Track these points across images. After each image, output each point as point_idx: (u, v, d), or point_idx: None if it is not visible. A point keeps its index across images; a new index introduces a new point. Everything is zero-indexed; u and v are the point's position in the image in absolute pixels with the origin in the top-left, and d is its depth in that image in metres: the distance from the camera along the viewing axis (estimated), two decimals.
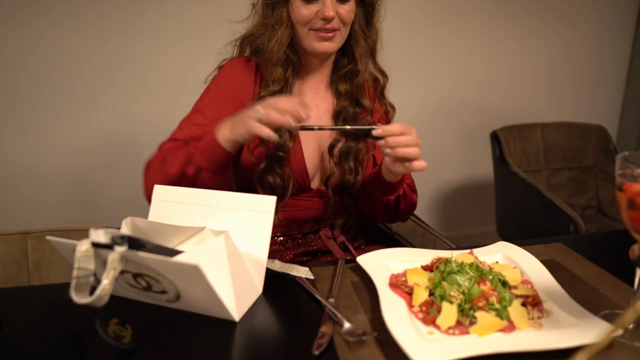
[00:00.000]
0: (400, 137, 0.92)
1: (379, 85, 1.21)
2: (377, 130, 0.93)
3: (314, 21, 1.05)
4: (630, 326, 0.72)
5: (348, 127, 1.04)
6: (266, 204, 0.86)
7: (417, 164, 0.94)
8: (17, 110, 2.10)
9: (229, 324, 0.75)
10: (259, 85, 1.12)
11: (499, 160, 2.24)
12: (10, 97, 2.08)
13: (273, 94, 1.08)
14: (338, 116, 1.17)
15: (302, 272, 0.89)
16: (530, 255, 0.91)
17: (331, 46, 1.08)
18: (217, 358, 0.68)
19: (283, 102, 0.90)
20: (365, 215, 1.23)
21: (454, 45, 2.58)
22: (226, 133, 0.96)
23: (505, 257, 0.92)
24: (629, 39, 2.84)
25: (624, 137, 2.95)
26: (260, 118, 0.89)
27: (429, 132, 2.65)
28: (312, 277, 0.88)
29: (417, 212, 1.73)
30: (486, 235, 2.47)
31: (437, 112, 2.65)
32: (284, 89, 1.10)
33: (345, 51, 1.15)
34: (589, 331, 0.68)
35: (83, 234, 1.09)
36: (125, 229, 0.84)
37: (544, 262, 0.89)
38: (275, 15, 1.07)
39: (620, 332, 0.67)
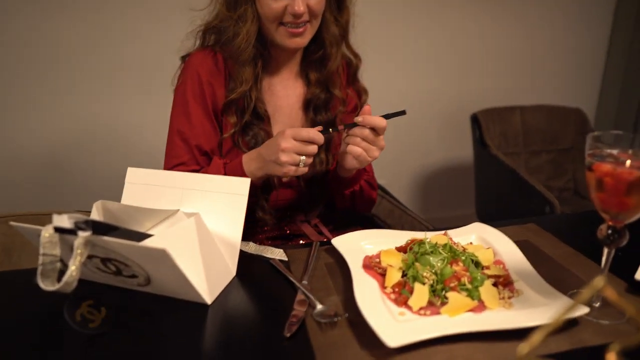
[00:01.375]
0: (366, 132, 0.94)
1: (351, 68, 1.19)
2: (358, 118, 0.94)
3: (284, 16, 1.01)
4: (597, 304, 0.73)
5: (359, 118, 0.95)
6: (240, 186, 0.85)
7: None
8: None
9: (202, 306, 0.75)
10: (227, 80, 1.09)
11: (479, 143, 2.26)
12: None
13: (243, 93, 1.05)
14: (309, 104, 1.15)
15: (276, 254, 0.89)
16: (503, 235, 0.91)
17: (302, 41, 1.05)
18: (189, 341, 0.67)
19: (311, 139, 0.92)
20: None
21: (433, 29, 2.57)
22: (257, 173, 0.98)
23: (479, 238, 0.92)
24: (608, 22, 2.85)
25: (603, 120, 2.99)
26: (305, 164, 0.93)
27: (410, 115, 2.63)
28: (286, 259, 0.88)
29: (397, 194, 1.74)
30: (466, 217, 2.49)
31: (418, 96, 2.65)
32: (254, 86, 1.07)
33: (316, 37, 1.10)
34: (557, 310, 0.69)
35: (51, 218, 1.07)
36: (96, 213, 0.82)
37: (517, 242, 0.90)
38: (240, 10, 1.02)
39: (585, 309, 0.68)
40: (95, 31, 2.08)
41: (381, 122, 0.95)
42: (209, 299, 0.75)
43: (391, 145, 2.61)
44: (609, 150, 0.68)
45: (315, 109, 1.15)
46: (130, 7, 2.09)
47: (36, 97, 2.08)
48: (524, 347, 0.34)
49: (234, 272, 0.84)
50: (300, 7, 0.98)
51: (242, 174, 0.99)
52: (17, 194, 2.01)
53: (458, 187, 2.83)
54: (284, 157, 0.91)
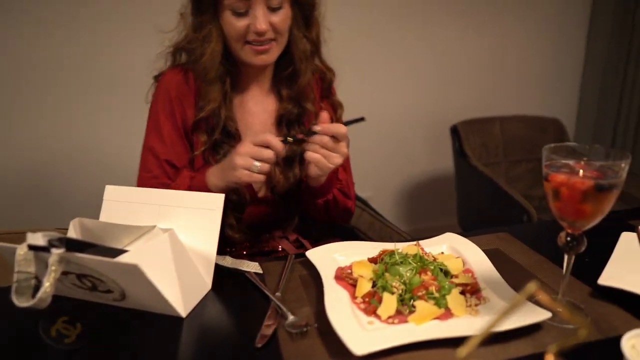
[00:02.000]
0: (325, 139, 0.94)
1: (325, 82, 1.19)
2: (316, 127, 0.94)
3: (247, 35, 1.00)
4: (560, 309, 0.76)
5: (317, 127, 0.94)
6: (214, 201, 0.87)
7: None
8: None
9: (177, 320, 0.76)
10: (197, 98, 1.09)
11: (459, 154, 2.30)
12: None
13: (212, 111, 1.05)
14: (281, 120, 1.14)
15: (251, 267, 0.90)
16: (474, 245, 0.94)
17: (268, 58, 1.04)
18: (163, 354, 0.69)
19: (267, 142, 0.92)
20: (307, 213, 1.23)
21: (413, 42, 2.62)
22: (218, 183, 0.98)
23: (450, 248, 0.95)
24: (584, 33, 2.93)
25: (580, 130, 3.05)
26: (259, 171, 0.92)
27: (392, 128, 2.69)
28: (260, 271, 0.90)
29: (380, 205, 1.76)
30: (448, 227, 2.50)
31: (398, 108, 2.69)
32: (223, 104, 1.07)
33: (285, 53, 1.09)
34: (521, 316, 0.71)
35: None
36: (73, 230, 0.84)
37: (487, 251, 0.92)
38: (204, 31, 1.02)
39: (547, 314, 0.71)
40: (70, 48, 2.10)
41: (340, 128, 0.94)
42: (183, 312, 0.77)
43: (374, 157, 2.68)
44: (564, 161, 0.71)
45: (288, 124, 1.15)
46: (105, 27, 2.12)
47: (13, 115, 2.09)
48: (462, 351, 0.36)
49: (209, 286, 0.85)
50: (262, 25, 0.98)
51: (205, 186, 1.00)
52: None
53: (441, 198, 2.86)
54: (238, 160, 0.91)
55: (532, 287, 0.36)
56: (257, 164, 0.92)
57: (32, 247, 0.69)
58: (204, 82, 1.05)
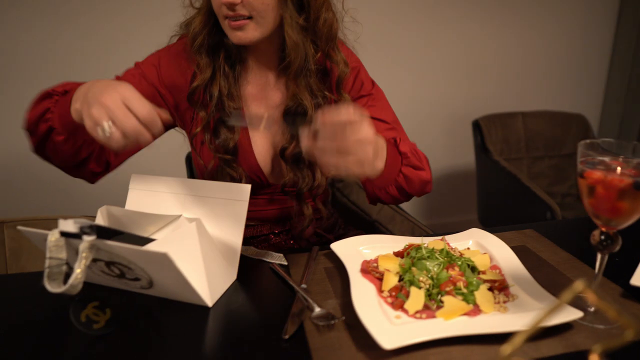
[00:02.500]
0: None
1: (331, 78, 1.07)
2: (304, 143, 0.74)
3: (221, 7, 0.92)
4: (592, 309, 0.74)
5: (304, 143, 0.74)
6: (241, 192, 0.87)
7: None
8: None
9: (203, 309, 0.76)
10: (193, 70, 1.02)
11: (481, 148, 2.27)
12: None
13: (203, 84, 1.00)
14: (287, 114, 1.04)
15: (275, 258, 0.90)
16: (500, 241, 0.93)
17: (244, 36, 0.94)
18: (190, 343, 0.69)
19: (133, 108, 0.72)
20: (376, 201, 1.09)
21: (436, 35, 2.59)
22: (73, 113, 0.79)
23: (477, 243, 0.94)
24: (612, 29, 2.86)
25: (606, 126, 2.99)
26: (107, 136, 0.72)
27: (412, 121, 2.66)
28: (285, 263, 0.90)
29: None
30: (468, 223, 2.49)
31: (420, 102, 2.67)
32: (218, 77, 1.00)
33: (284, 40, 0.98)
34: (553, 315, 0.70)
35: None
36: (100, 218, 0.85)
37: (514, 248, 0.91)
38: (200, 2, 0.99)
39: (579, 314, 0.69)
40: (85, 34, 2.11)
41: (327, 119, 0.70)
42: (209, 302, 0.77)
43: None
44: (600, 158, 0.70)
45: (293, 120, 1.03)
46: (120, 10, 2.12)
47: (23, 96, 2.11)
48: (506, 349, 0.35)
49: (234, 276, 0.85)
50: None
51: (68, 105, 0.82)
52: (25, 199, 2.04)
53: (460, 193, 2.84)
54: (93, 110, 0.72)
55: (579, 285, 0.35)
56: (107, 126, 0.71)
57: (64, 234, 0.69)
58: (192, 52, 1.00)
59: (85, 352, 0.67)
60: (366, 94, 1.12)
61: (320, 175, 1.08)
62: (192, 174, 1.57)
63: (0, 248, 1.06)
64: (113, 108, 0.71)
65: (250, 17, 0.92)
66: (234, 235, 0.86)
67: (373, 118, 1.08)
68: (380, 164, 0.84)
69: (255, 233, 1.14)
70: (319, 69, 1.04)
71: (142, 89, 0.96)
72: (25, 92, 2.09)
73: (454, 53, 2.65)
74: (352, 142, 0.70)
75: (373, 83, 1.15)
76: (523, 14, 2.68)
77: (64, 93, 0.88)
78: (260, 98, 1.08)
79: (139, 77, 1.01)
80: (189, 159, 1.57)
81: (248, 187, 0.86)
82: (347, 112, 0.69)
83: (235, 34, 0.94)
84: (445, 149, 2.79)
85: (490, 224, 2.30)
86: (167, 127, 1.06)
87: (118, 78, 1.02)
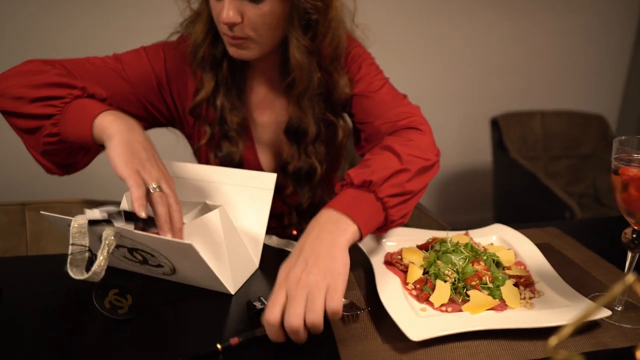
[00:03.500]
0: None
1: (337, 96, 1.00)
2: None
3: (222, 25, 0.87)
4: (619, 308, 0.73)
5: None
6: (266, 180, 0.86)
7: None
8: None
9: (226, 296, 0.76)
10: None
11: (499, 146, 2.25)
12: None
13: (206, 98, 0.97)
14: (289, 130, 1.01)
15: None
16: (524, 237, 0.92)
17: (243, 54, 0.90)
18: (213, 329, 0.69)
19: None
20: None
21: (454, 31, 2.56)
22: (109, 126, 0.74)
23: (500, 239, 0.93)
24: (633, 29, 2.82)
25: (624, 127, 2.95)
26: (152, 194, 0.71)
27: (430, 118, 2.64)
28: None
29: None
30: (484, 221, 2.48)
31: (438, 98, 2.65)
32: (220, 91, 0.98)
33: (286, 54, 0.94)
34: (579, 311, 0.69)
35: (81, 206, 1.10)
36: (126, 203, 0.85)
37: (538, 245, 0.90)
38: (199, 7, 0.93)
39: (607, 312, 0.68)
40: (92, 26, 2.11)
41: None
42: (232, 290, 0.77)
43: None
44: (636, 155, 0.68)
45: (296, 137, 1.01)
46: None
47: None
48: (553, 340, 0.35)
49: (257, 265, 0.85)
50: (224, 15, 0.83)
51: (89, 124, 0.76)
52: (46, 182, 2.04)
53: (476, 191, 2.82)
54: (152, 170, 0.73)
55: (630, 278, 0.34)
56: (156, 186, 0.72)
57: (91, 222, 0.69)
58: (194, 64, 0.96)
59: (107, 336, 0.67)
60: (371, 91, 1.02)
61: (321, 192, 1.07)
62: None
63: (22, 230, 1.07)
64: (165, 177, 0.74)
65: (245, 38, 0.87)
66: (257, 224, 0.86)
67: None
68: (346, 241, 0.70)
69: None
70: (321, 88, 0.99)
71: (145, 75, 0.95)
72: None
73: (471, 49, 2.62)
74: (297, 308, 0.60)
75: (377, 73, 1.03)
76: (543, 12, 2.64)
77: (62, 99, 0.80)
78: (265, 107, 1.05)
79: (143, 64, 0.97)
80: None
81: (274, 175, 0.86)
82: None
83: (234, 50, 0.90)
84: (462, 146, 2.77)
85: (506, 223, 2.28)
86: (151, 122, 1.03)
87: (118, 55, 0.97)
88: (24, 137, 0.83)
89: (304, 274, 0.62)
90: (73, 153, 0.84)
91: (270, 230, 1.10)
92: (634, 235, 0.70)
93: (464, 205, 2.88)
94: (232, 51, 0.91)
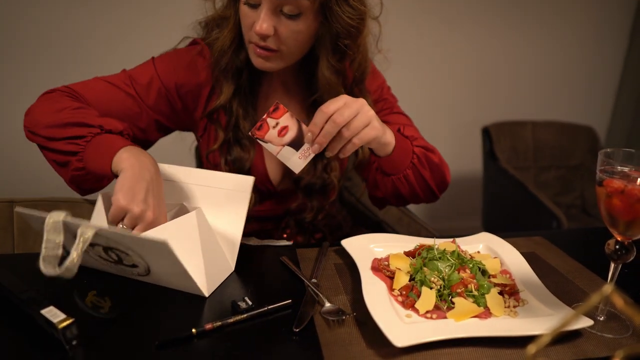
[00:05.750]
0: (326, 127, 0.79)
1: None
2: (313, 146, 0.82)
3: (251, 32, 0.89)
4: (601, 317, 0.74)
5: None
6: (243, 183, 0.86)
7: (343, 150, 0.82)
8: (11, 75, 2.09)
9: (200, 299, 0.76)
10: (211, 82, 1.01)
11: (489, 155, 2.27)
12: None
13: (224, 104, 0.98)
14: None
15: (281, 242, 0.90)
16: (510, 246, 0.93)
17: (268, 66, 0.92)
18: (188, 325, 0.68)
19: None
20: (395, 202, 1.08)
21: (447, 42, 2.58)
22: (124, 161, 0.81)
23: (487, 247, 0.93)
24: (624, 42, 2.86)
25: (613, 139, 2.99)
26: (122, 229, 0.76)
27: (422, 125, 2.65)
28: (289, 243, 0.91)
29: None
30: (472, 228, 2.50)
31: (429, 106, 2.67)
32: (236, 98, 0.99)
33: (312, 70, 0.96)
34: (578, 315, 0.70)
35: (69, 205, 1.09)
36: (101, 203, 0.84)
37: (524, 254, 0.91)
38: (226, 12, 0.93)
39: (589, 322, 0.69)
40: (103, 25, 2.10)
41: (320, 120, 0.79)
42: (206, 292, 0.76)
43: None
44: (620, 167, 0.69)
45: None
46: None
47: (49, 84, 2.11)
48: (532, 348, 0.35)
49: (232, 268, 0.85)
50: (260, 27, 0.84)
51: (110, 155, 0.83)
52: (36, 179, 2.03)
53: (465, 199, 2.83)
54: (144, 212, 0.77)
55: (608, 288, 0.35)
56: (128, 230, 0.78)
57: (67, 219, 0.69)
58: (216, 70, 0.97)
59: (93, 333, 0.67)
60: (389, 111, 1.11)
61: (328, 208, 1.08)
62: (200, 165, 1.56)
63: (9, 227, 1.06)
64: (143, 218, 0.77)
65: (276, 50, 0.89)
66: (234, 227, 0.85)
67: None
68: (389, 135, 0.89)
69: (257, 228, 1.13)
70: None
71: (152, 91, 0.98)
72: (36, 68, 2.10)
73: (464, 59, 2.65)
74: (350, 111, 0.79)
75: (395, 100, 1.15)
76: (536, 23, 2.67)
77: (84, 137, 0.86)
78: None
79: (151, 77, 0.99)
80: (197, 150, 1.57)
81: (251, 178, 0.86)
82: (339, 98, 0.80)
83: (259, 61, 0.92)
84: (452, 154, 2.77)
85: (495, 231, 2.29)
86: (165, 132, 1.06)
87: (127, 72, 1.00)
88: (55, 167, 0.91)
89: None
90: (99, 181, 0.88)
91: (262, 233, 1.11)
92: (617, 247, 0.71)
93: (453, 213, 2.89)
94: (258, 62, 0.92)
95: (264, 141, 0.82)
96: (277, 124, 0.81)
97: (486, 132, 2.31)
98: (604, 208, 0.70)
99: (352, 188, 1.60)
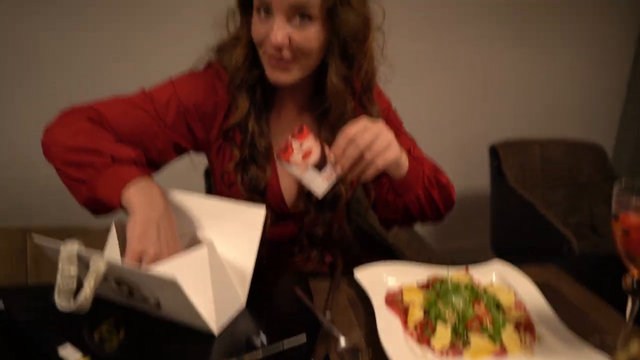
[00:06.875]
0: (347, 151, 0.82)
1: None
2: (336, 169, 0.84)
3: (265, 44, 0.90)
4: None
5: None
6: (255, 215, 0.85)
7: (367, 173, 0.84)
8: (21, 102, 2.11)
9: (211, 337, 0.75)
10: (227, 103, 1.02)
11: (497, 174, 2.26)
12: (15, 86, 2.08)
13: (240, 121, 0.99)
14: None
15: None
16: (524, 277, 0.92)
17: (286, 78, 0.93)
18: None
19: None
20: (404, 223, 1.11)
21: (453, 58, 2.59)
22: (133, 200, 0.81)
23: (500, 278, 0.93)
24: (630, 59, 2.87)
25: (620, 156, 2.98)
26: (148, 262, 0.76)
27: (430, 143, 2.66)
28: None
29: None
30: (479, 247, 2.49)
31: (436, 123, 2.67)
32: (252, 114, 1.00)
33: (322, 81, 0.98)
34: (578, 359, 0.69)
35: (82, 233, 1.10)
36: (114, 231, 0.84)
37: (537, 284, 0.90)
38: (239, 31, 0.96)
39: None
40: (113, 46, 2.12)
41: (340, 140, 0.82)
42: (215, 330, 0.75)
43: None
44: (636, 200, 0.69)
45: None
46: (152, 21, 2.14)
47: (52, 103, 2.12)
48: None
49: (243, 303, 0.83)
50: (276, 37, 0.86)
51: (120, 188, 0.82)
52: (51, 206, 2.05)
53: (472, 218, 2.82)
54: (149, 250, 0.77)
55: (635, 346, 0.34)
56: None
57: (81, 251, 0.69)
58: (231, 87, 0.98)
59: None
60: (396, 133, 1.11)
61: (340, 221, 1.09)
62: (209, 189, 1.56)
63: (22, 254, 1.07)
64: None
65: (291, 59, 0.90)
66: (245, 260, 0.84)
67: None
68: (405, 157, 0.93)
69: (269, 250, 1.12)
70: (353, 116, 1.01)
71: (171, 110, 0.98)
72: (55, 90, 2.11)
73: (472, 77, 2.65)
74: (370, 134, 0.82)
75: (401, 123, 1.16)
76: (543, 42, 2.68)
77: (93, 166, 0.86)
78: (289, 130, 1.07)
79: (170, 96, 0.99)
80: (207, 173, 1.57)
81: (263, 210, 0.85)
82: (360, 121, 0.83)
83: (276, 74, 0.93)
84: (459, 172, 2.77)
85: (503, 250, 2.29)
86: (179, 152, 1.05)
87: (146, 92, 1.00)
88: (69, 190, 0.90)
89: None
90: (109, 208, 0.87)
91: (272, 260, 1.11)
92: (636, 284, 0.70)
93: (461, 231, 2.87)
94: (274, 75, 0.93)
95: (288, 164, 0.82)
96: (301, 145, 0.82)
97: (493, 151, 2.30)
98: (620, 243, 0.69)
99: (361, 210, 1.59)
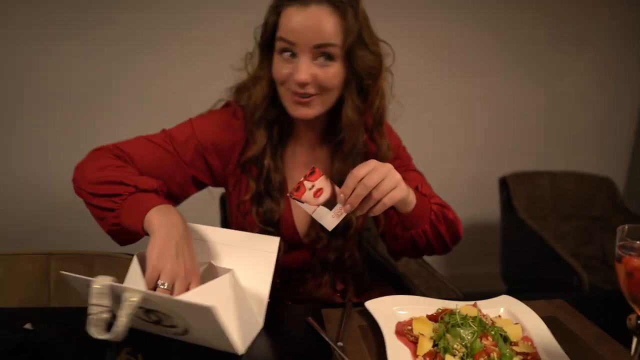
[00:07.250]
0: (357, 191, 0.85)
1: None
2: (345, 206, 0.87)
3: (289, 82, 0.97)
4: None
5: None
6: (270, 244, 0.91)
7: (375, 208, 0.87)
8: (44, 127, 2.19)
9: (232, 356, 0.80)
10: (244, 139, 1.08)
11: (507, 206, 2.28)
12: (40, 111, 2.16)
13: (255, 156, 1.05)
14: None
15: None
16: (531, 311, 0.94)
17: (308, 112, 0.99)
18: None
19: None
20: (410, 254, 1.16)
21: (461, 91, 2.64)
22: (154, 221, 0.86)
23: (507, 312, 0.95)
24: (639, 89, 2.89)
25: (631, 190, 2.98)
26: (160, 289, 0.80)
27: (439, 174, 2.69)
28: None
29: None
30: (489, 277, 2.49)
31: (446, 155, 2.70)
32: (268, 151, 1.05)
33: (336, 114, 1.04)
34: None
35: (103, 259, 1.14)
36: (136, 262, 0.88)
37: (544, 318, 0.92)
38: (259, 72, 1.03)
39: None
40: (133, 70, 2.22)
41: (349, 180, 0.84)
42: (242, 350, 0.81)
43: None
44: (639, 245, 0.71)
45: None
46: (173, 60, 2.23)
47: (80, 133, 2.20)
48: None
49: (261, 324, 0.89)
50: (301, 76, 0.94)
51: (141, 217, 0.88)
52: (73, 230, 2.09)
53: (482, 246, 2.83)
54: (170, 266, 0.81)
55: None
56: (166, 285, 0.81)
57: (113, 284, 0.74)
58: (250, 124, 1.05)
59: None
60: (405, 169, 1.17)
61: (352, 246, 1.13)
62: (225, 221, 1.61)
63: (45, 279, 1.11)
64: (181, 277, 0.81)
65: (317, 94, 0.97)
66: (261, 285, 0.90)
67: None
68: (412, 194, 0.97)
69: (283, 278, 1.16)
70: (365, 149, 1.09)
71: (189, 148, 1.05)
72: (77, 114, 2.20)
73: (479, 109, 2.70)
74: (379, 175, 0.85)
75: (410, 159, 1.21)
76: (551, 73, 2.72)
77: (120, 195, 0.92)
78: (304, 168, 1.11)
79: (188, 136, 1.06)
80: (222, 201, 1.62)
81: (277, 239, 0.91)
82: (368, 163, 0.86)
83: (300, 110, 0.99)
84: (469, 202, 2.80)
85: (513, 281, 2.29)
86: (199, 187, 1.12)
87: (166, 131, 1.08)
88: (97, 220, 0.97)
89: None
90: (133, 235, 0.95)
91: (284, 285, 1.15)
92: (639, 322, 0.73)
93: (471, 260, 2.87)
94: (297, 111, 0.99)
95: (300, 201, 0.87)
96: (312, 186, 0.88)
97: (503, 182, 2.33)
98: (623, 285, 0.72)
99: (371, 239, 1.62)
